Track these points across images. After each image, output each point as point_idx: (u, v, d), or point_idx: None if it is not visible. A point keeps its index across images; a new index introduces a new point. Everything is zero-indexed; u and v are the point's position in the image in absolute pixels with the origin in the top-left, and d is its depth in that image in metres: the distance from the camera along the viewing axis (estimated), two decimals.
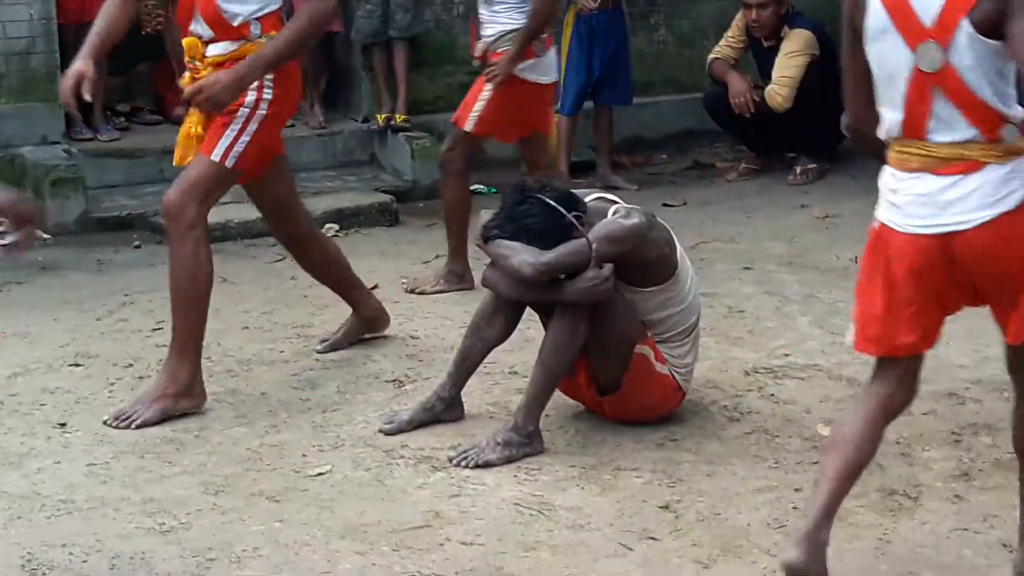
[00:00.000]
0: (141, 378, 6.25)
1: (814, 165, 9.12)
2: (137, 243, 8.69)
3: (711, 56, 9.06)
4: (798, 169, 9.17)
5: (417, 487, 5.01)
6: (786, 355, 6.12)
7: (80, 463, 5.33)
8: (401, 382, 6.19)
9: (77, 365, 6.24)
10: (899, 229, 3.96)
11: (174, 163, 6.21)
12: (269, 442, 5.51)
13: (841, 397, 5.67)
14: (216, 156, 5.83)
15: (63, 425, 5.74)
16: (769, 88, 8.86)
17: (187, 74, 6.10)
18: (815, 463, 5.01)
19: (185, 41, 6.13)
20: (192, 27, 6.04)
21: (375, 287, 7.22)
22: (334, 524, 4.71)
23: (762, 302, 6.88)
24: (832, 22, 9.15)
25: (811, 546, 3.71)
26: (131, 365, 6.45)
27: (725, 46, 9.13)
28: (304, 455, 5.31)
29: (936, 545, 4.50)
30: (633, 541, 4.55)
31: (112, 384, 6.22)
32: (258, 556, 4.52)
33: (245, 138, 5.86)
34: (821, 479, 3.89)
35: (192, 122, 6.02)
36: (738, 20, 9.15)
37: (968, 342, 6.07)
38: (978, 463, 5.05)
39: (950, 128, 3.86)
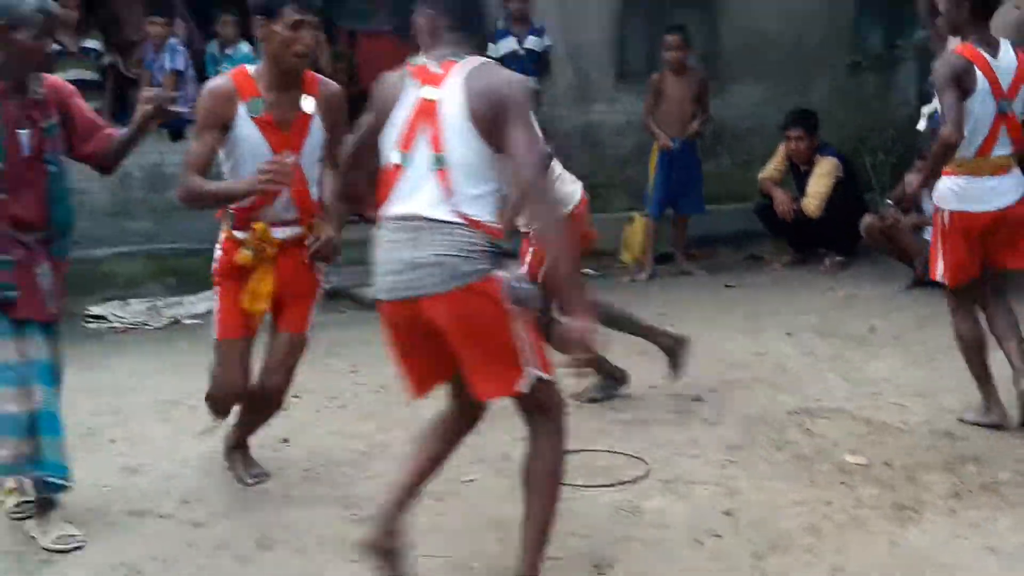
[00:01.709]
0: (342, 406, 6.24)
1: (840, 258, 9.00)
2: (342, 311, 8.51)
3: (761, 176, 9.03)
4: (827, 261, 9.03)
5: None
6: (818, 400, 6.04)
7: (298, 468, 5.35)
8: None
9: (296, 396, 6.26)
10: (976, 211, 5.38)
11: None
12: None
13: (862, 433, 5.59)
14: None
15: (285, 440, 5.71)
16: (804, 200, 8.84)
17: None
18: (842, 482, 4.99)
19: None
20: None
21: None
22: (480, 519, 4.69)
23: (800, 360, 6.78)
24: (853, 152, 9.14)
25: None
26: (335, 398, 6.40)
27: (772, 169, 9.10)
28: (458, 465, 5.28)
29: (935, 547, 4.42)
30: (704, 537, 4.51)
31: (318, 411, 6.17)
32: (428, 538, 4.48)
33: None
34: None
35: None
36: (780, 150, 9.11)
37: (959, 394, 5.99)
38: (968, 486, 4.95)
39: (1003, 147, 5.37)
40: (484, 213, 3.72)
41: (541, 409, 3.82)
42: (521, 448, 3.95)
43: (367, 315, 6.88)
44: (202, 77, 8.51)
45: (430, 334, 3.76)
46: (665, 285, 8.20)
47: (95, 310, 7.77)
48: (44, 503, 4.53)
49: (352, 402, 6.24)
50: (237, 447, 5.17)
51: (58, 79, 4.81)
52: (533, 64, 8.53)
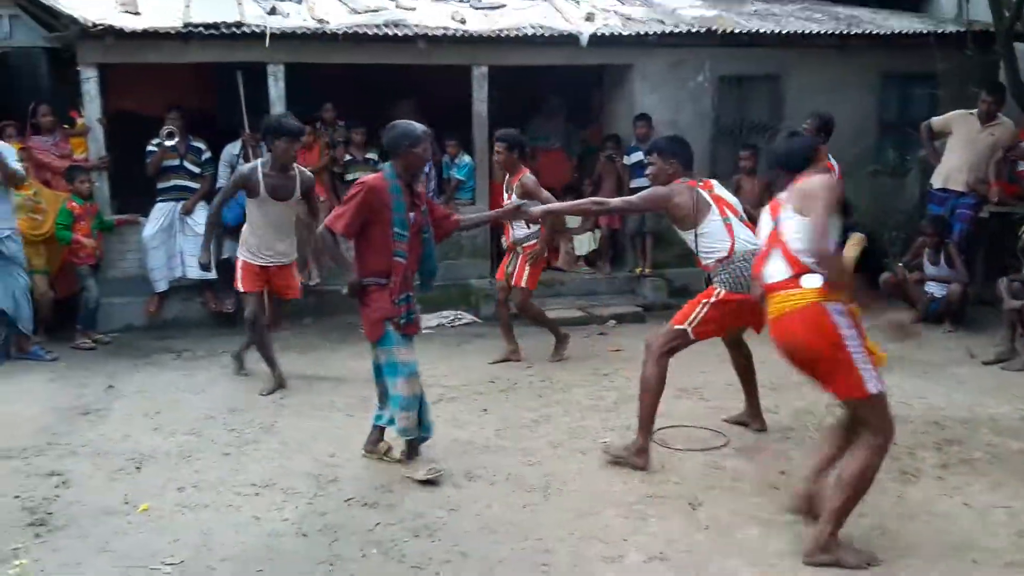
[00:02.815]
0: (520, 389, 6.16)
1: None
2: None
3: None
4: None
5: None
6: (892, 390, 5.81)
7: (492, 428, 5.40)
8: None
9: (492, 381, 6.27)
10: None
11: None
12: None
13: (917, 415, 5.30)
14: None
15: (484, 411, 5.71)
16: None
17: None
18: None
19: None
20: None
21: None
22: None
23: None
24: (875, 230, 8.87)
25: None
26: (516, 383, 6.34)
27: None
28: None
29: (928, 501, 4.34)
30: (765, 488, 4.49)
31: (503, 391, 6.10)
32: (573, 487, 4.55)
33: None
34: None
35: None
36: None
37: (944, 397, 5.82)
38: (951, 460, 4.83)
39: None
40: None
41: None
42: None
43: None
44: (440, 179, 8.82)
45: None
46: None
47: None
48: (412, 452, 4.79)
49: (527, 388, 6.21)
50: None
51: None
52: None
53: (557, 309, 8.13)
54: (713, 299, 4.68)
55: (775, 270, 3.76)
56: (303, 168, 6.16)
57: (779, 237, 3.77)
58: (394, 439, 4.83)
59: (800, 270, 3.66)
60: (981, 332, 7.27)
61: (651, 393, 4.70)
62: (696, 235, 4.78)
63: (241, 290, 6.09)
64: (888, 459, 4.72)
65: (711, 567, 3.70)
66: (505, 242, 7.08)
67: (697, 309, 4.69)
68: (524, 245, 6.72)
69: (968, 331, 7.39)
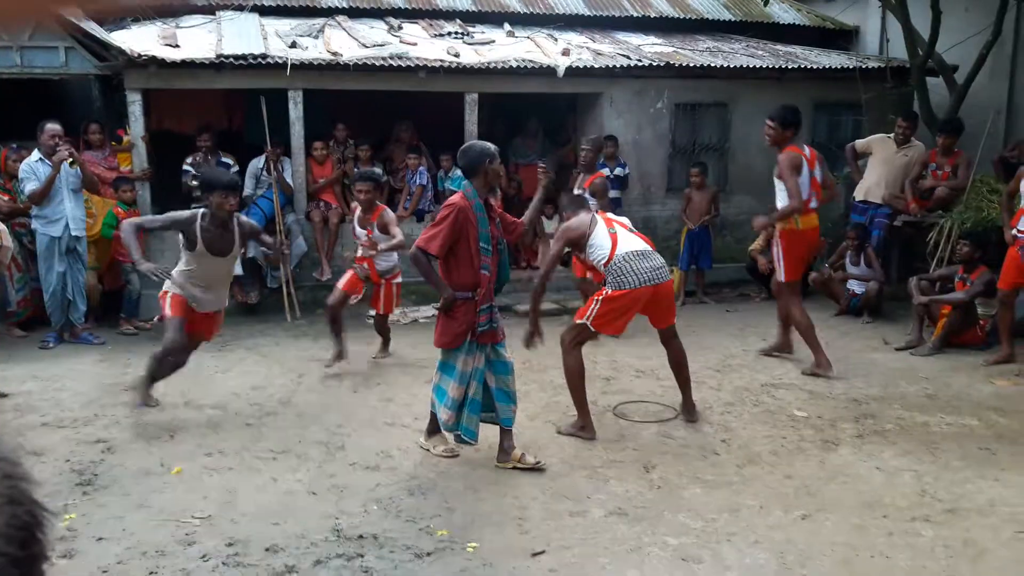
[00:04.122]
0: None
1: None
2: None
3: (750, 248, 8.81)
4: None
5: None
6: (780, 378, 5.88)
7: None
8: None
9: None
10: None
11: None
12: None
13: (805, 398, 5.44)
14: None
15: None
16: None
17: None
18: (792, 426, 4.92)
19: None
20: None
21: None
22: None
23: (796, 350, 6.43)
24: None
25: None
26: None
27: (757, 244, 8.84)
28: None
29: (846, 465, 4.38)
30: (708, 454, 4.51)
31: None
32: (546, 453, 4.53)
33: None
34: None
35: None
36: (763, 234, 8.92)
37: (862, 378, 5.85)
38: (866, 430, 4.87)
39: None
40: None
41: None
42: None
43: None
44: (436, 190, 8.77)
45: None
46: (691, 310, 8.10)
47: (372, 312, 7.97)
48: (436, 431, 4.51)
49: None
50: None
51: None
52: (619, 181, 8.60)
53: None
54: (602, 297, 4.65)
55: None
56: (244, 220, 5.09)
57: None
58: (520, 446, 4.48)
59: None
60: (894, 323, 7.32)
61: (574, 378, 4.73)
62: (587, 248, 4.75)
63: (168, 314, 4.93)
64: (812, 430, 4.83)
65: (662, 520, 3.73)
66: (364, 270, 6.10)
67: (592, 306, 4.67)
68: (387, 276, 6.13)
69: (883, 322, 7.44)
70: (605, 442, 4.64)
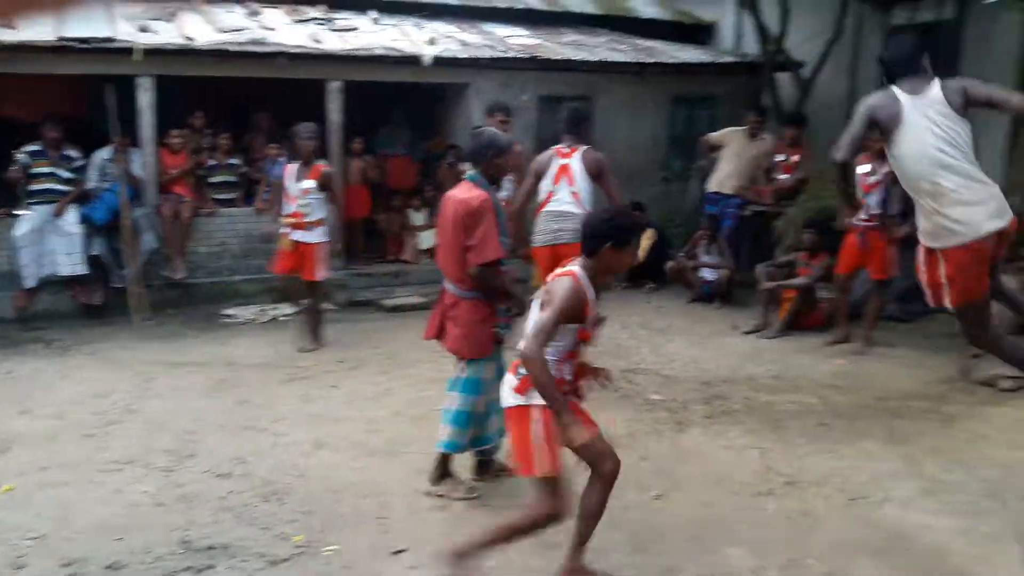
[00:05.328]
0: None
1: (653, 285, 8.56)
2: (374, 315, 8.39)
3: None
4: (647, 286, 8.51)
5: None
6: (637, 364, 6.03)
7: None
8: None
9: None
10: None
11: None
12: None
13: (660, 382, 5.60)
14: None
15: (334, 386, 5.64)
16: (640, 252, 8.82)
17: None
18: (648, 410, 5.03)
19: None
20: None
21: None
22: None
23: (628, 342, 6.59)
24: (663, 226, 9.23)
25: None
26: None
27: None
28: None
29: (697, 445, 4.54)
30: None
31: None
32: (411, 449, 4.48)
33: None
34: None
35: None
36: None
37: (713, 361, 6.09)
38: (716, 411, 5.05)
39: None
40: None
41: None
42: None
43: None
44: None
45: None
46: None
47: (229, 311, 7.72)
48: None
49: (375, 365, 6.08)
50: None
51: None
52: None
53: (403, 297, 8.09)
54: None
55: None
56: None
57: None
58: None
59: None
60: (743, 308, 7.65)
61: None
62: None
63: None
64: (667, 412, 5.00)
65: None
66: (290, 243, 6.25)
67: None
68: (311, 241, 6.25)
69: (733, 308, 7.75)
70: None
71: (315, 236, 6.24)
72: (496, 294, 3.79)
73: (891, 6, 9.08)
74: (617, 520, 3.62)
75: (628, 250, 2.99)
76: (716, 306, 7.85)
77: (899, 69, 4.58)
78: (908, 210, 5.65)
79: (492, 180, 3.90)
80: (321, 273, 6.27)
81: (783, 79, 9.65)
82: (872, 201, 6.17)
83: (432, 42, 8.77)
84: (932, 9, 8.67)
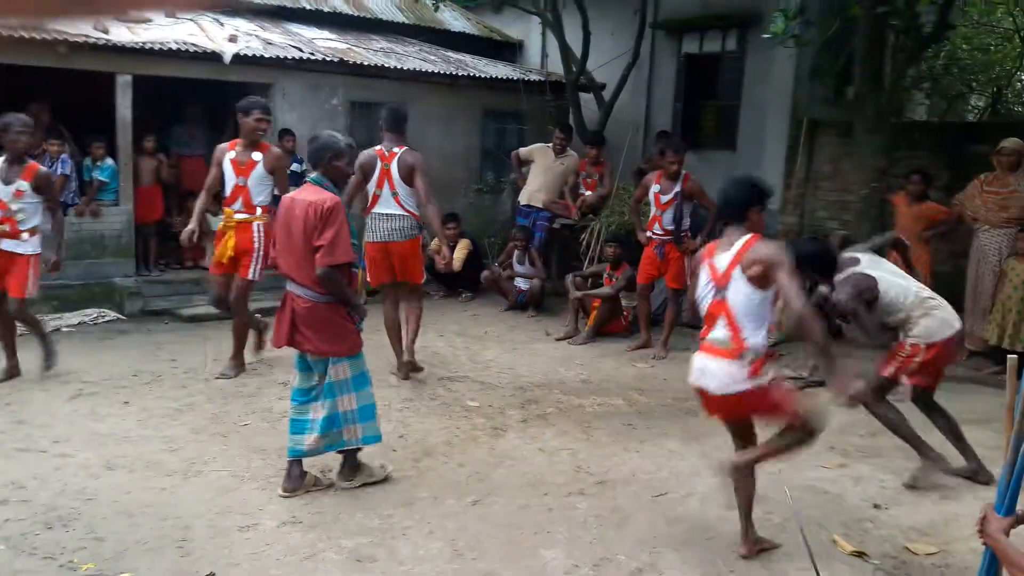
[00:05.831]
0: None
1: (470, 294, 8.82)
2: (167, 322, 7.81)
3: (430, 247, 9.03)
4: (463, 295, 8.76)
5: None
6: (455, 371, 6.08)
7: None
8: None
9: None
10: None
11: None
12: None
13: (477, 389, 5.66)
14: None
15: (126, 403, 5.24)
16: (453, 259, 8.74)
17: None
18: (465, 416, 5.07)
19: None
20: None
21: None
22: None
23: (447, 350, 6.64)
24: (478, 235, 9.38)
25: None
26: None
27: (435, 243, 9.09)
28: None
29: (513, 449, 4.63)
30: (388, 451, 4.47)
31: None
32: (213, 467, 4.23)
33: None
34: None
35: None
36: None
37: (527, 367, 6.27)
38: (530, 415, 5.19)
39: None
40: (415, 209, 5.48)
41: None
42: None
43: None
44: (81, 180, 7.80)
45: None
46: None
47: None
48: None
49: (171, 380, 5.73)
50: None
51: None
52: (297, 177, 8.32)
53: (202, 306, 7.61)
54: None
55: None
56: None
57: None
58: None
59: None
60: (555, 316, 7.98)
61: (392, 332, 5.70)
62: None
63: None
64: (484, 418, 5.08)
65: (338, 523, 3.66)
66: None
67: None
68: (20, 252, 5.41)
69: (545, 315, 8.06)
70: (278, 451, 4.41)
71: (27, 247, 5.37)
72: (340, 297, 3.80)
73: (682, 35, 9.86)
74: (435, 528, 3.64)
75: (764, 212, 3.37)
76: (529, 314, 8.11)
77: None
78: (697, 226, 6.66)
79: (335, 183, 3.93)
80: (30, 290, 5.39)
81: (586, 99, 10.15)
82: (666, 218, 6.67)
83: (233, 39, 8.37)
84: (717, 40, 9.53)
